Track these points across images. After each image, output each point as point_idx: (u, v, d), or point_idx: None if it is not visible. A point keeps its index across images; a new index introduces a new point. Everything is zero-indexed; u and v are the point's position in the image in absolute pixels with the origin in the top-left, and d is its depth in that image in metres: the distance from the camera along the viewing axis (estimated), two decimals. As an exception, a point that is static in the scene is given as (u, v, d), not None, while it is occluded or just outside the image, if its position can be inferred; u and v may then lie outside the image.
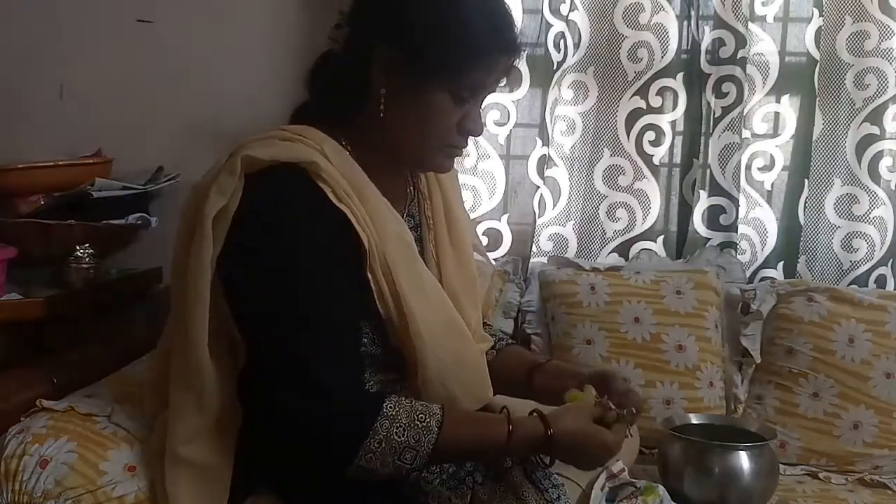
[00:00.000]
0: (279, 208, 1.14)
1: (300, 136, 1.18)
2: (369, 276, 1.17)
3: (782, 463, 1.73)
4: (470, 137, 1.25)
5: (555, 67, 2.08)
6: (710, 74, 2.07)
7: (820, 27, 2.02)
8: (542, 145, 2.11)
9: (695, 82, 2.09)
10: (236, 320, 1.17)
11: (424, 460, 1.11)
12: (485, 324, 1.49)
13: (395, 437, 1.09)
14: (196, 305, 1.13)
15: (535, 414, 1.17)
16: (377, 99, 1.19)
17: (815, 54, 2.03)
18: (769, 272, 2.12)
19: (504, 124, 2.13)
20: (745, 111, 2.07)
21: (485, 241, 2.13)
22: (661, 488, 1.37)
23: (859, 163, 2.06)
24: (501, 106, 2.12)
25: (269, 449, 1.17)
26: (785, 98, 2.09)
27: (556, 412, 1.18)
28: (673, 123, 2.12)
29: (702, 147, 2.09)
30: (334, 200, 1.15)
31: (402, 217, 1.28)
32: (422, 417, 1.12)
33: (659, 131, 2.11)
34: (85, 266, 1.82)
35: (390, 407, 1.12)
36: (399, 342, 1.21)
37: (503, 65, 1.21)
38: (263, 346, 1.15)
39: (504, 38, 1.20)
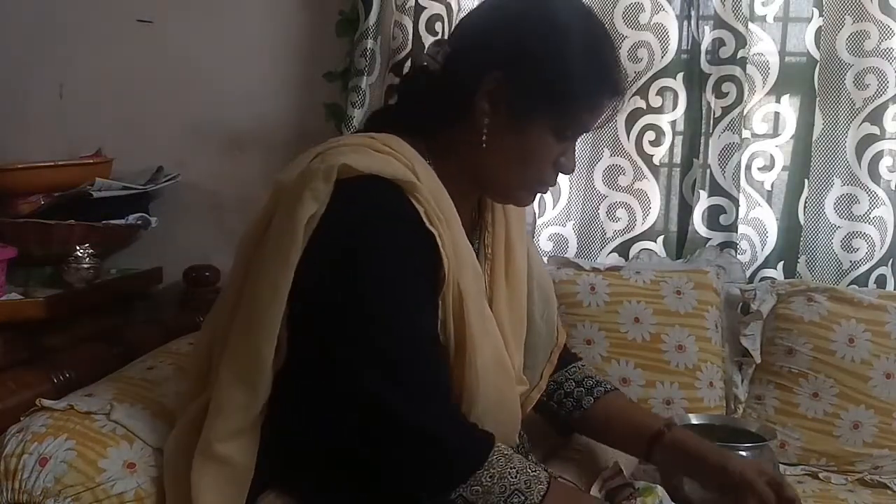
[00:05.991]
0: (378, 221, 1.09)
1: (391, 149, 1.14)
2: (439, 301, 1.12)
3: (782, 463, 1.73)
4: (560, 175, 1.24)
5: (555, 67, 2.07)
6: (710, 74, 2.06)
7: (820, 27, 2.01)
8: (542, 145, 2.11)
9: (695, 82, 2.08)
10: (290, 321, 1.12)
11: None
12: (574, 353, 1.52)
13: (509, 477, 1.06)
14: (272, 307, 1.09)
15: None
16: (476, 126, 1.17)
17: (815, 54, 2.02)
18: (769, 272, 2.11)
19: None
20: (745, 111, 2.06)
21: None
22: (660, 489, 1.36)
23: (859, 163, 2.06)
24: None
25: (301, 452, 1.15)
26: (785, 98, 2.09)
27: None
28: (673, 123, 2.11)
29: (702, 147, 2.09)
30: (426, 222, 1.10)
31: None
32: (532, 466, 1.09)
33: (659, 131, 2.11)
34: (85, 266, 1.82)
35: (502, 447, 1.09)
36: (449, 372, 1.16)
37: (608, 106, 1.22)
38: (351, 374, 1.09)
39: (614, 82, 1.20)
